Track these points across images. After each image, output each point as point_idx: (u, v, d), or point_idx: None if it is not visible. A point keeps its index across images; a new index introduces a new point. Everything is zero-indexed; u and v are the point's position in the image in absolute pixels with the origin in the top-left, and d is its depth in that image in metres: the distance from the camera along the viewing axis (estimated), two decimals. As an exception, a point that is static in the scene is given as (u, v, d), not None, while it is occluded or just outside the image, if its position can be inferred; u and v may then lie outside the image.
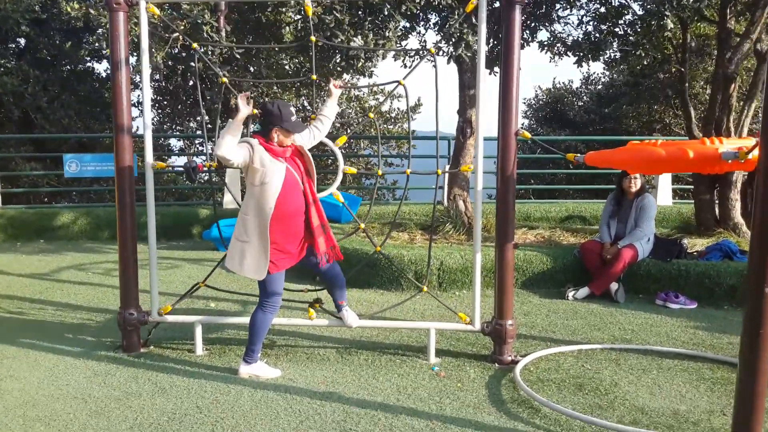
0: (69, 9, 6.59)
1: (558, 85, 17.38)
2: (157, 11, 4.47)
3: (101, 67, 14.34)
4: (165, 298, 6.13)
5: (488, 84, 4.29)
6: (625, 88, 14.29)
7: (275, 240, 3.96)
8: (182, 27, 5.93)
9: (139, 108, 15.64)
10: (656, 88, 12.91)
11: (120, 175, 4.61)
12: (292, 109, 3.96)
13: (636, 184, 6.53)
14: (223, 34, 5.95)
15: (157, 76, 12.81)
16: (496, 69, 8.72)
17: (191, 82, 14.51)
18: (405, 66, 9.00)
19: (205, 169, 4.63)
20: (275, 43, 7.37)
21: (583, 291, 6.28)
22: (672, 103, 13.60)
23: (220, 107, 4.46)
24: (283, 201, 3.92)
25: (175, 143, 16.23)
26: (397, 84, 4.63)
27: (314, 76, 4.28)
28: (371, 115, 4.55)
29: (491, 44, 8.85)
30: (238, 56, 6.48)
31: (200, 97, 4.42)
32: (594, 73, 17.69)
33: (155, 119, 14.86)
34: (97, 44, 7.35)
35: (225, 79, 4.59)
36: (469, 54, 6.75)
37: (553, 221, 10.02)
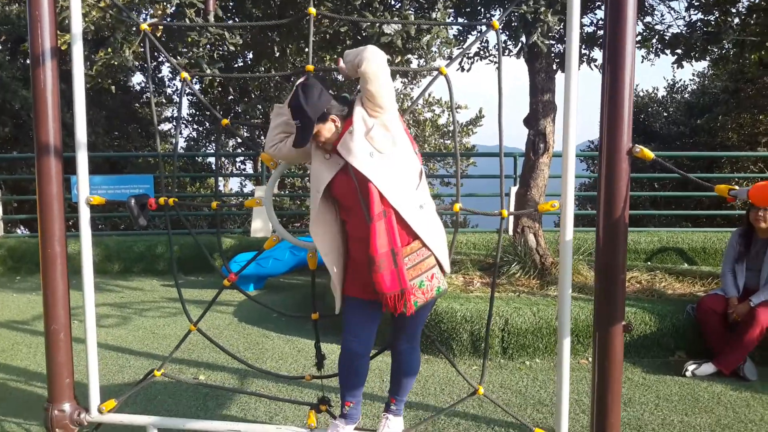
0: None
1: (641, 93, 15.44)
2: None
3: (135, 80, 13.29)
4: (149, 362, 4.79)
5: (562, 90, 2.88)
6: (725, 95, 12.31)
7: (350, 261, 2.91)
8: (159, 12, 4.56)
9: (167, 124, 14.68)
10: (761, 95, 10.93)
11: (45, 214, 3.22)
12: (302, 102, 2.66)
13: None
14: (212, 18, 4.58)
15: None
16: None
17: (231, 96, 13.36)
18: (462, 69, 7.43)
19: (160, 205, 3.20)
20: (287, 35, 5.95)
21: (707, 368, 4.57)
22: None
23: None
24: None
25: (214, 161, 15.05)
26: (437, 74, 3.08)
27: (310, 66, 2.79)
28: (443, 69, 2.94)
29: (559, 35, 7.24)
30: (233, 47, 5.06)
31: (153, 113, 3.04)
32: (681, 80, 15.70)
33: (191, 134, 13.74)
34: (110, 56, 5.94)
35: (185, 74, 3.15)
36: (551, 39, 5.10)
37: (643, 254, 8.22)
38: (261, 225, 8.88)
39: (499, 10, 6.42)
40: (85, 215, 3.24)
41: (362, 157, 2.58)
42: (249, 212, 10.40)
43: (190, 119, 14.75)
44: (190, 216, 10.25)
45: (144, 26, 3.21)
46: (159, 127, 14.53)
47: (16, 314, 6.32)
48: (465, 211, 3.06)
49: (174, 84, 14.21)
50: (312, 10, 3.01)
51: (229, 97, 13.35)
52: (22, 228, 11.59)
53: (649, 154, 2.69)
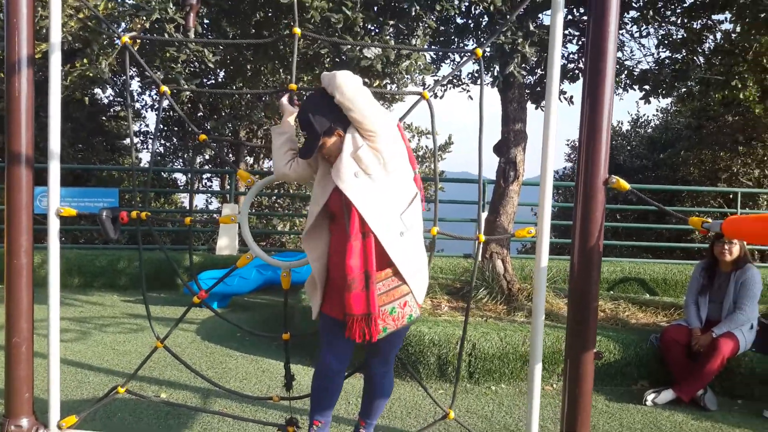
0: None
1: (605, 127, 15.68)
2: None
3: (103, 93, 13.08)
4: (108, 379, 4.68)
5: (532, 120, 2.83)
6: (687, 131, 12.63)
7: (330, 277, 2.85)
8: (138, 26, 4.53)
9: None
10: (722, 132, 11.24)
11: (13, 224, 3.14)
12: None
13: (732, 251, 4.91)
14: (192, 34, 4.56)
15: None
16: (544, 104, 7.24)
17: (200, 113, 13.26)
18: (435, 96, 7.52)
19: (131, 218, 3.15)
20: (263, 55, 5.94)
21: (667, 395, 4.64)
22: (740, 150, 11.90)
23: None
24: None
25: (181, 177, 14.86)
26: (419, 98, 3.12)
27: (293, 86, 2.79)
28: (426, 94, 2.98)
29: (537, 75, 7.38)
30: (211, 64, 5.02)
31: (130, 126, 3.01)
32: (644, 115, 16.08)
33: (158, 149, 13.57)
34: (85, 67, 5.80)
35: (165, 88, 3.12)
36: (524, 71, 5.20)
37: (605, 283, 8.34)
38: (227, 242, 8.79)
39: (472, 40, 6.52)
40: (54, 227, 3.18)
41: (347, 178, 2.58)
42: (214, 230, 10.28)
43: (158, 134, 14.60)
44: (150, 234, 10.06)
45: (125, 38, 3.18)
46: (125, 141, 14.32)
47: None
48: (443, 234, 3.07)
49: (143, 99, 14.07)
50: (297, 30, 3.02)
51: (198, 114, 13.26)
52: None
53: (625, 185, 2.75)
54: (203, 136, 3.25)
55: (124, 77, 11.63)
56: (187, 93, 10.03)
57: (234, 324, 3.57)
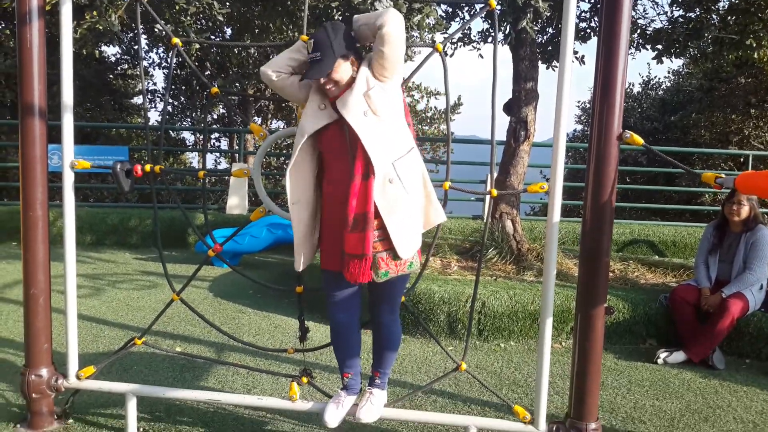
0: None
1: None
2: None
3: (110, 51, 13.03)
4: (123, 333, 4.75)
5: (542, 80, 2.73)
6: (699, 94, 12.47)
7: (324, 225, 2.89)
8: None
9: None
10: (734, 95, 11.09)
11: (28, 176, 3.16)
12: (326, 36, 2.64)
13: (742, 211, 4.87)
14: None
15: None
16: (555, 63, 7.13)
17: (208, 71, 13.17)
18: (445, 53, 7.43)
19: (145, 172, 3.15)
20: (272, 10, 5.84)
21: (678, 356, 4.67)
22: (752, 113, 11.76)
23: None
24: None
25: (189, 137, 14.82)
26: (432, 51, 3.09)
27: (305, 37, 2.77)
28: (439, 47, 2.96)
29: (548, 34, 7.28)
30: (220, 17, 4.97)
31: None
32: (656, 77, 15.90)
33: (167, 108, 13.50)
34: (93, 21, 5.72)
35: (177, 40, 3.09)
36: (536, 28, 5.12)
37: (615, 244, 8.35)
38: (237, 202, 8.82)
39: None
40: (69, 179, 3.19)
41: (357, 114, 2.57)
42: (224, 189, 10.30)
43: (170, 90, 14.53)
44: (164, 190, 10.10)
45: (136, -10, 3.15)
46: (132, 100, 14.28)
47: (-18, 282, 6.21)
48: (455, 189, 3.07)
49: (150, 56, 13.99)
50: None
51: (206, 72, 13.18)
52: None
53: (639, 139, 2.73)
54: (215, 89, 3.23)
55: (135, 32, 11.56)
56: (195, 50, 9.95)
57: (249, 278, 3.59)
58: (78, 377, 3.31)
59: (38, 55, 3.15)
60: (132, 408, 3.19)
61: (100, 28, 4.66)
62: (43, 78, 3.19)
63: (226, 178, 10.68)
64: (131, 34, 12.09)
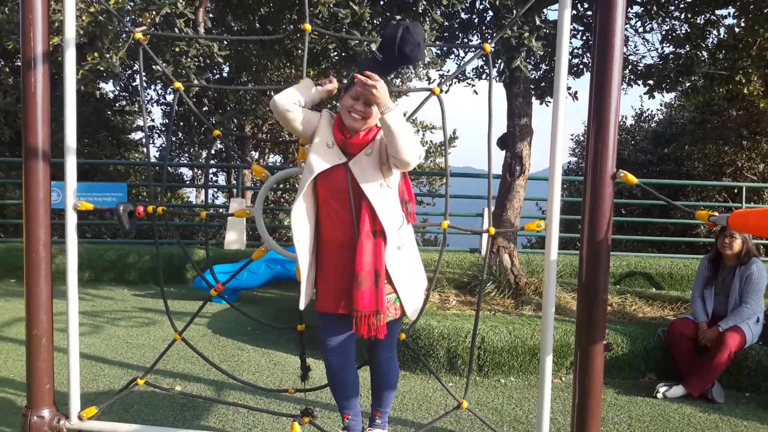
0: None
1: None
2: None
3: (108, 88, 13.14)
4: (123, 372, 4.74)
5: (536, 116, 2.84)
6: (691, 126, 12.62)
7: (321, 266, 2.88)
8: (148, 20, 4.56)
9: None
10: (726, 127, 11.24)
11: (31, 218, 3.19)
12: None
13: (734, 245, 4.92)
14: (202, 29, 4.60)
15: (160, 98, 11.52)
16: (549, 99, 7.24)
17: (205, 107, 13.30)
18: (441, 91, 7.55)
19: (147, 213, 3.19)
20: (269, 49, 5.98)
21: (677, 390, 4.67)
22: (744, 144, 11.90)
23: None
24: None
25: (187, 172, 14.93)
26: (429, 94, 3.16)
27: (304, 81, 2.84)
28: (436, 90, 3.02)
29: (542, 70, 7.41)
30: (219, 59, 5.08)
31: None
32: (648, 109, 16.08)
33: (163, 144, 13.64)
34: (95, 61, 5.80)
35: (179, 84, 3.16)
36: (530, 65, 5.23)
37: (612, 277, 8.37)
38: (235, 237, 8.85)
39: (477, 36, 6.56)
40: (71, 221, 3.23)
41: (374, 186, 2.66)
42: (222, 224, 10.34)
43: (163, 129, 14.66)
44: (163, 226, 10.13)
45: (138, 34, 3.22)
46: (130, 136, 14.38)
47: (-18, 320, 6.20)
48: (454, 228, 3.12)
49: (148, 93, 14.13)
50: (307, 26, 3.06)
51: (204, 109, 13.31)
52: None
53: (633, 179, 2.79)
54: (217, 132, 3.29)
55: (136, 72, 11.70)
56: (194, 88, 10.10)
57: (249, 316, 3.61)
58: (80, 418, 3.30)
59: (42, 100, 3.20)
60: (133, 449, 3.18)
61: (102, 68, 4.76)
62: (46, 121, 3.24)
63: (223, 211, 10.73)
64: (129, 72, 12.24)
